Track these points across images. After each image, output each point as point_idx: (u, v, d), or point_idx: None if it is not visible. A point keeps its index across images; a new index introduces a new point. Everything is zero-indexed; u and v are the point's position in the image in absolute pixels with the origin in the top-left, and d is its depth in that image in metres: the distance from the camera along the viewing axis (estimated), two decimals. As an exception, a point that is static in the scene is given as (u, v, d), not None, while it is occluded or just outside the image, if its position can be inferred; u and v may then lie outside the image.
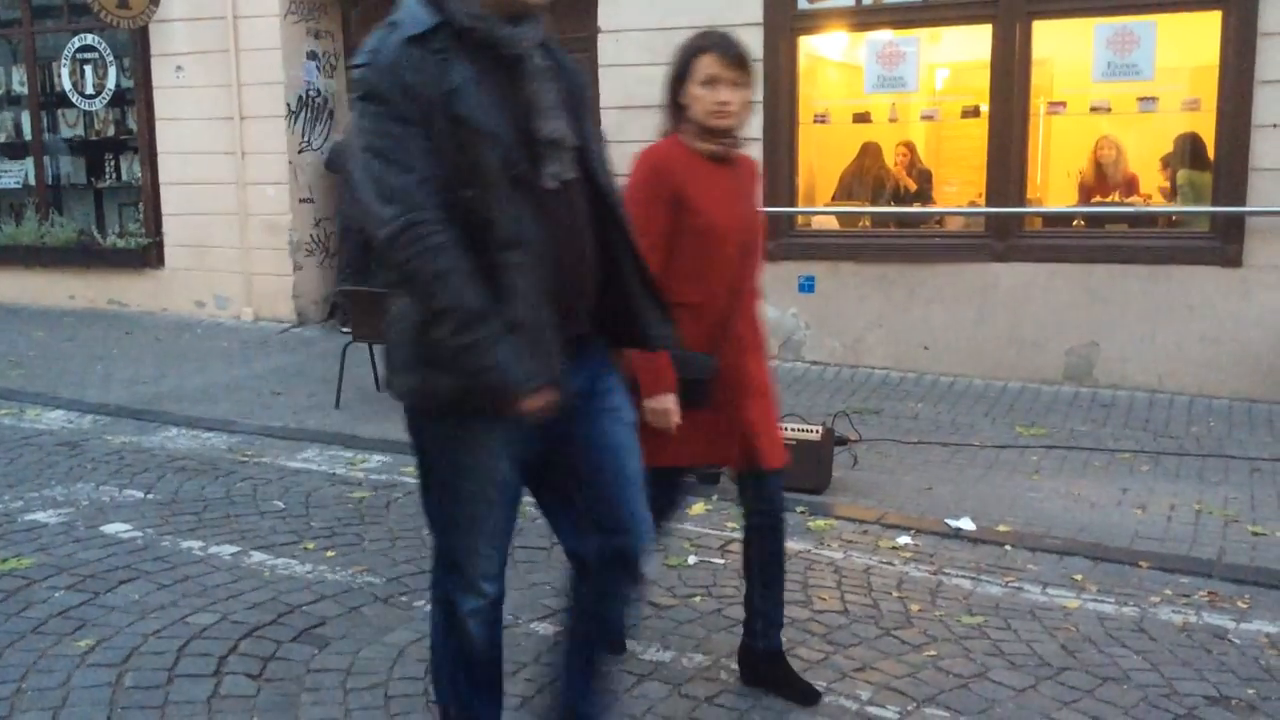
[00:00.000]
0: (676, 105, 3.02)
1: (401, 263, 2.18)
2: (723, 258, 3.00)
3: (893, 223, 8.16)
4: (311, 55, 9.39)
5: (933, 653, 3.53)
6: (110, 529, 4.59)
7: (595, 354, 2.51)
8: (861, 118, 8.07)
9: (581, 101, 2.47)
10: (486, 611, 2.52)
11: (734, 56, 2.96)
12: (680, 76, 3.00)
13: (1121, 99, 7.30)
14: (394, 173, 2.17)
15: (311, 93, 9.41)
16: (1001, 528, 4.67)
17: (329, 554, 4.34)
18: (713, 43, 2.98)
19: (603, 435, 2.49)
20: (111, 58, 10.00)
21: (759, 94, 7.97)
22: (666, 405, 2.92)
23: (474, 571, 2.48)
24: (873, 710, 3.18)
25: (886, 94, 7.78)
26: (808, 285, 7.75)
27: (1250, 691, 3.28)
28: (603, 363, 2.54)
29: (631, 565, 2.52)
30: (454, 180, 2.20)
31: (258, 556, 4.31)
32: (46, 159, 10.63)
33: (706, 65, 2.94)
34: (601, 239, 2.43)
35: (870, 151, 8.29)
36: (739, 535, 4.54)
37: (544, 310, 2.26)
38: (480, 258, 2.20)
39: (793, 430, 5.11)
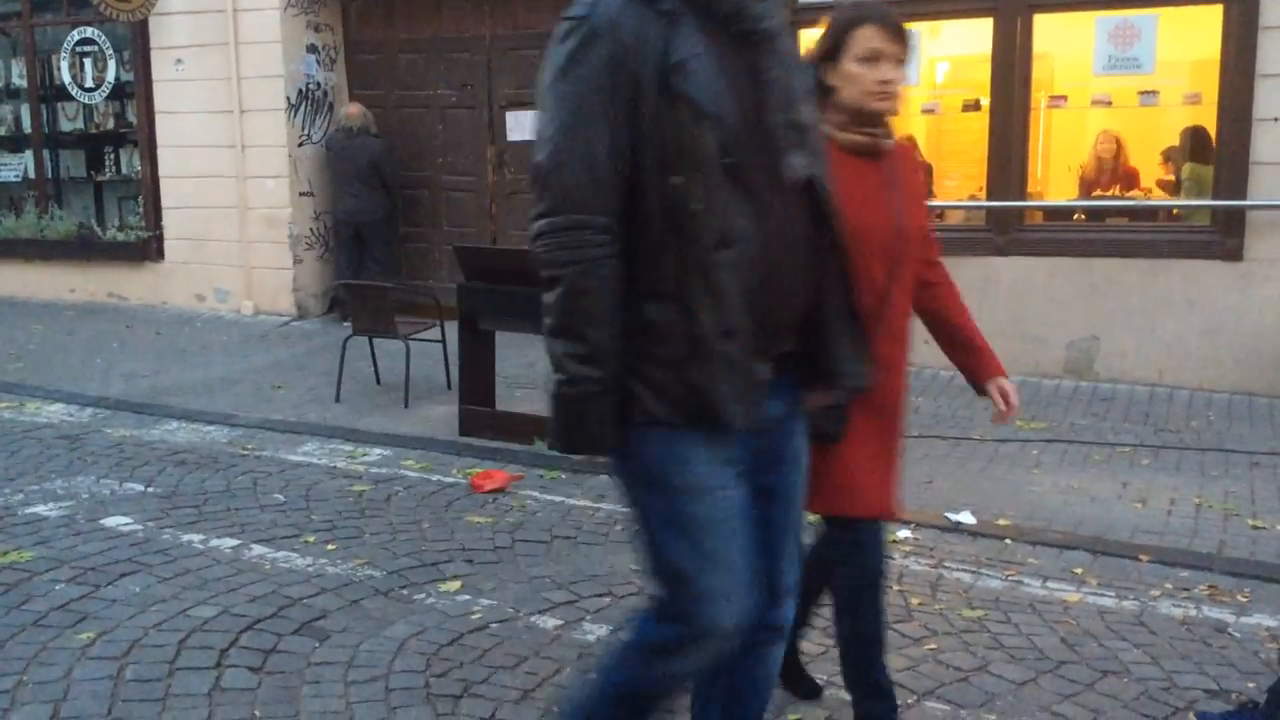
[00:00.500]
0: (822, 88, 2.59)
1: (550, 260, 1.97)
2: (862, 267, 2.47)
3: (893, 216, 8.12)
4: (311, 48, 9.37)
5: (933, 646, 3.53)
6: (111, 522, 4.59)
7: (791, 379, 2.19)
8: (861, 110, 8.05)
9: (813, 99, 2.20)
10: (704, 665, 2.16)
11: (898, 28, 2.55)
12: (831, 54, 2.57)
13: (1122, 93, 7.29)
14: (577, 157, 1.94)
15: (311, 86, 9.39)
16: (1002, 521, 4.67)
17: (329, 547, 4.34)
18: (873, 13, 2.56)
19: (781, 479, 2.24)
20: (111, 51, 9.98)
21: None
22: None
23: (711, 620, 2.08)
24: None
25: (887, 87, 7.76)
26: (808, 279, 7.73)
27: (1250, 685, 3.28)
28: (794, 391, 2.23)
29: (777, 627, 2.31)
30: (662, 164, 1.95)
31: (258, 550, 4.31)
32: (46, 152, 10.62)
33: (867, 38, 2.53)
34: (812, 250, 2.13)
35: (870, 145, 8.25)
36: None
37: (749, 320, 1.99)
38: (686, 254, 1.96)
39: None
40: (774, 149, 2.02)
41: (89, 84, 10.15)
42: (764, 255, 2.01)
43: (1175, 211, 7.46)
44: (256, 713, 3.10)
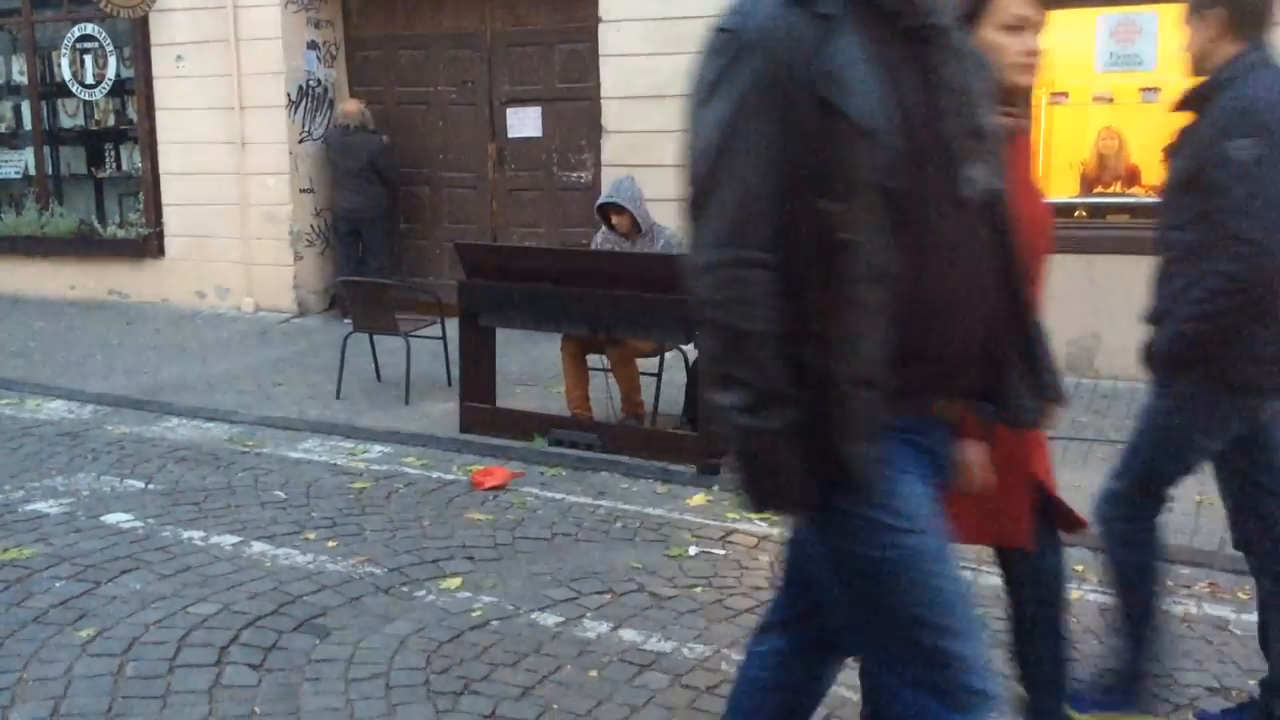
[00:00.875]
0: None
1: (707, 301, 1.78)
2: None
3: (894, 213, 8.12)
4: (312, 45, 9.36)
5: (933, 643, 3.52)
6: (111, 519, 4.59)
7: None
8: (863, 108, 8.05)
9: (993, 100, 1.98)
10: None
11: None
12: (969, 22, 2.21)
13: (1124, 89, 7.28)
14: (734, 187, 1.76)
15: (312, 82, 9.38)
16: (1002, 519, 4.66)
17: (330, 544, 4.34)
18: None
19: None
20: (111, 47, 9.97)
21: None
22: (966, 457, 2.20)
23: (962, 670, 1.89)
24: (873, 701, 3.18)
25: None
26: (809, 276, 7.74)
27: (1251, 683, 3.28)
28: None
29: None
30: (810, 185, 1.74)
31: (259, 547, 4.31)
32: (46, 149, 10.61)
33: (1012, 3, 2.25)
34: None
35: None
36: (740, 526, 4.56)
37: (886, 370, 1.79)
38: (832, 289, 1.75)
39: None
40: (949, 162, 1.82)
41: (89, 80, 10.14)
42: (934, 287, 1.81)
43: (1176, 208, 7.45)
44: (257, 709, 3.10)
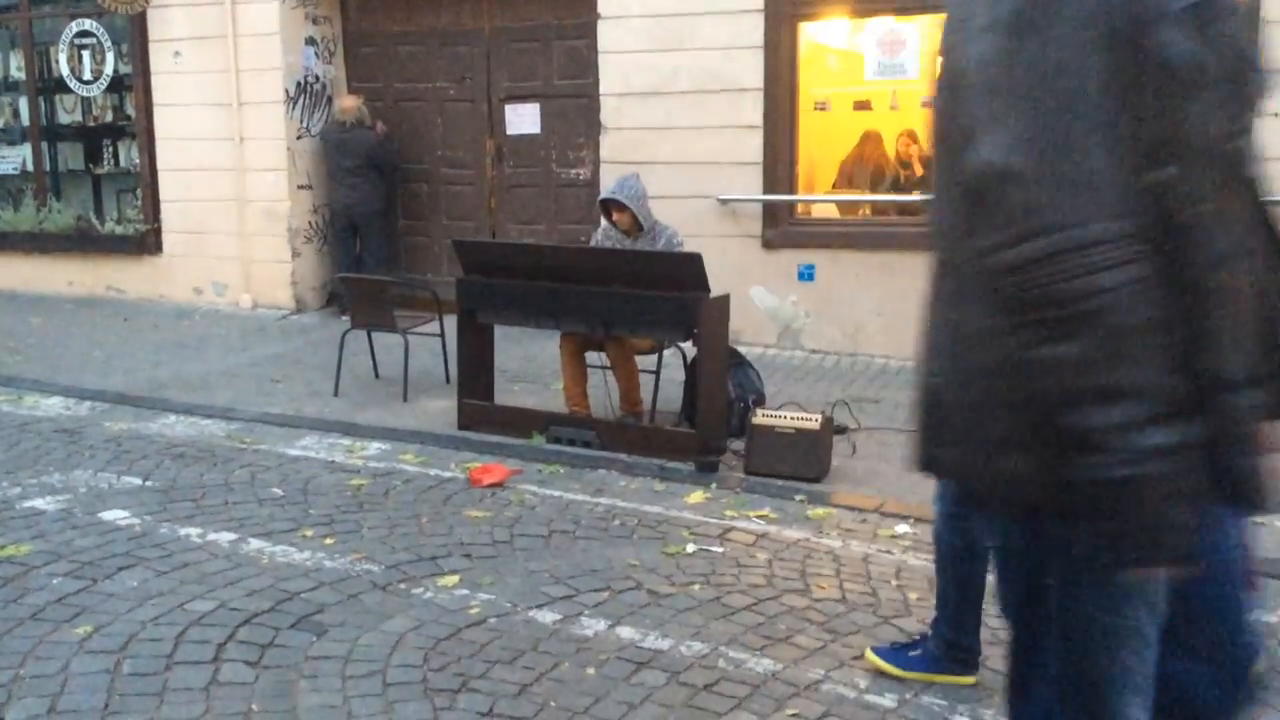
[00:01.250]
0: None
1: (1054, 298, 1.41)
2: None
3: (893, 211, 8.14)
4: (310, 41, 9.35)
5: (931, 641, 3.52)
6: (108, 516, 4.58)
7: None
8: (862, 105, 8.07)
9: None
10: None
11: None
12: None
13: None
14: (1061, 152, 1.41)
15: (310, 79, 9.37)
16: (1001, 516, 4.66)
17: (327, 541, 4.34)
18: None
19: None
20: (109, 43, 9.96)
21: (759, 81, 8.02)
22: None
23: None
24: (871, 698, 3.18)
25: (887, 81, 7.77)
26: (808, 273, 7.75)
27: (1249, 681, 3.28)
28: None
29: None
30: (1143, 153, 1.44)
31: (256, 544, 4.30)
32: (44, 145, 10.60)
33: None
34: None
35: (871, 139, 8.28)
36: (738, 523, 4.56)
37: (1265, 362, 1.55)
38: (1177, 276, 1.47)
39: (791, 418, 5.13)
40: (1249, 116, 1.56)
41: (87, 76, 10.13)
42: (1265, 267, 1.58)
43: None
44: (254, 706, 3.10)
